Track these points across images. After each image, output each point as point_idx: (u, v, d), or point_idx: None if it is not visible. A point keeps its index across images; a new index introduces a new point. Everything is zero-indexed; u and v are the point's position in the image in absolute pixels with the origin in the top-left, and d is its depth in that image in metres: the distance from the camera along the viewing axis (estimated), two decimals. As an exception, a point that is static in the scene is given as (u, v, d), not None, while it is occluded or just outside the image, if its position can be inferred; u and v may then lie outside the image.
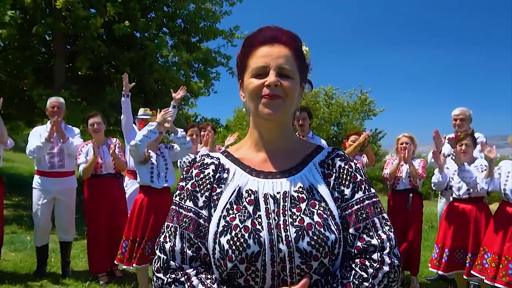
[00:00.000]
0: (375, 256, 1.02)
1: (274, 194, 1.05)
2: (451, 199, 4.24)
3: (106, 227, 4.33)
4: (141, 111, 5.31)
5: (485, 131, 6.54)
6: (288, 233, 0.99)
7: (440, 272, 4.02)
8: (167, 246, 1.05)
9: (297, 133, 5.03)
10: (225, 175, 1.10)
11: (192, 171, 1.13)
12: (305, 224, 1.00)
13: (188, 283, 1.01)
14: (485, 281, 3.53)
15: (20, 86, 7.76)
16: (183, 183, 1.13)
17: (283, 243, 0.98)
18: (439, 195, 5.17)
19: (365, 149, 4.91)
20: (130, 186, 4.96)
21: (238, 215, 1.02)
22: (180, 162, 4.12)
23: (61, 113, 4.61)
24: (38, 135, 4.49)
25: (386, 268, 1.01)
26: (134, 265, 3.68)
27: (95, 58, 7.87)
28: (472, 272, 3.66)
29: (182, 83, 8.53)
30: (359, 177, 1.11)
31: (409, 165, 4.36)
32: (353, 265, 1.02)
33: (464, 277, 3.80)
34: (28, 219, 6.95)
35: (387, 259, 1.01)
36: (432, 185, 4.35)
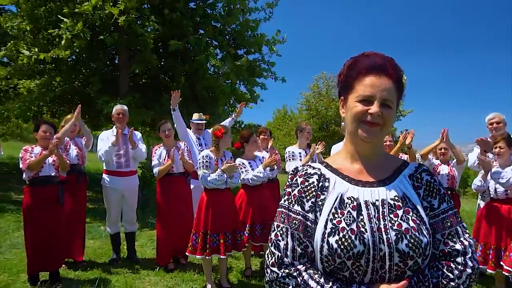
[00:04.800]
0: (459, 259, 1.18)
1: (373, 201, 1.20)
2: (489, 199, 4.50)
3: (175, 220, 4.83)
4: (195, 116, 5.79)
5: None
6: (389, 235, 1.14)
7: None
8: (281, 244, 1.20)
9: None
10: (326, 184, 1.26)
11: (296, 179, 1.29)
12: (403, 228, 1.15)
13: (300, 278, 1.16)
14: None
15: (88, 94, 8.63)
16: (290, 189, 1.29)
17: (384, 244, 1.13)
18: (479, 195, 5.35)
19: (407, 150, 5.08)
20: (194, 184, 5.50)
21: (344, 219, 1.17)
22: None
23: (125, 119, 5.17)
24: (106, 139, 5.05)
25: (469, 270, 1.16)
26: (207, 257, 4.07)
27: (153, 69, 8.62)
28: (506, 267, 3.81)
29: (228, 90, 9.19)
30: (442, 190, 1.28)
31: (451, 147, 4.77)
32: (440, 266, 1.17)
33: (504, 273, 3.92)
34: (100, 211, 7.76)
35: (469, 263, 1.17)
36: (473, 187, 4.64)
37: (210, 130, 5.97)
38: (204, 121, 5.80)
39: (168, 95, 8.31)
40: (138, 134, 5.34)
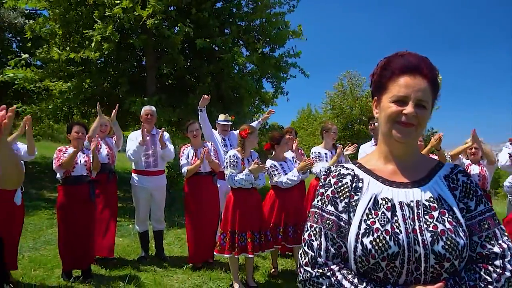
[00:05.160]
0: (497, 262, 1.14)
1: (408, 202, 1.19)
2: None
3: (203, 219, 4.88)
4: (221, 117, 5.79)
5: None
6: (424, 237, 1.13)
7: None
8: (315, 244, 1.20)
9: (372, 139, 5.40)
10: (360, 184, 1.25)
11: (330, 180, 1.29)
12: (438, 230, 1.13)
13: (334, 278, 1.15)
14: None
15: (116, 95, 8.86)
16: (323, 190, 1.28)
17: (419, 246, 1.12)
18: (508, 196, 5.23)
19: (436, 152, 5.02)
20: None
21: (378, 220, 1.16)
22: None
23: (153, 120, 5.28)
24: (135, 139, 5.13)
25: (508, 274, 1.13)
26: (235, 256, 4.12)
27: (180, 70, 8.76)
28: None
29: (254, 89, 9.23)
30: (479, 192, 1.25)
31: (480, 147, 4.71)
32: (477, 269, 1.14)
33: None
34: (128, 209, 7.94)
35: (508, 266, 1.13)
36: (505, 188, 4.52)
37: (235, 132, 6.03)
38: (230, 122, 5.84)
39: (194, 95, 8.48)
40: (166, 135, 5.41)
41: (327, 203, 1.24)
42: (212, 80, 8.79)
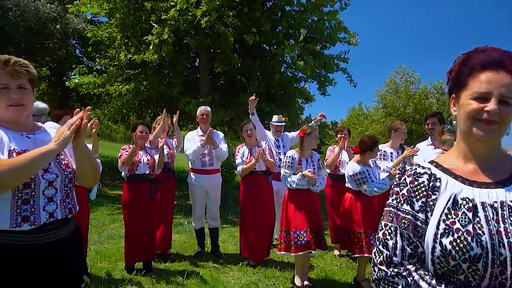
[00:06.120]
0: None
1: (491, 203, 1.13)
2: None
3: (258, 217, 4.92)
4: (275, 118, 5.87)
5: None
6: (510, 239, 1.07)
7: None
8: (390, 243, 1.19)
9: (429, 138, 5.19)
10: (437, 184, 1.21)
11: (405, 178, 1.26)
12: None
13: (410, 278, 1.12)
14: None
15: (170, 96, 9.19)
16: (398, 189, 1.26)
17: (504, 248, 1.06)
18: None
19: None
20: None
21: (458, 220, 1.12)
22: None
23: (209, 119, 5.40)
24: (191, 139, 5.31)
25: None
26: (292, 253, 4.12)
27: (232, 69, 8.91)
28: None
29: (306, 91, 9.21)
30: None
31: None
32: None
33: None
34: (184, 207, 8.20)
35: None
36: None
37: (289, 134, 6.05)
38: (283, 123, 5.88)
39: (245, 95, 8.59)
40: (220, 134, 5.52)
41: (402, 202, 1.22)
42: (262, 80, 8.86)
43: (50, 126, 1.95)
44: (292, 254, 4.18)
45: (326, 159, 5.45)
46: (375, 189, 4.17)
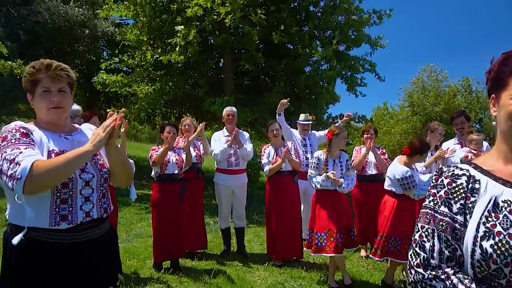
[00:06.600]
0: None
1: None
2: None
3: (284, 217, 4.91)
4: (301, 116, 5.87)
5: None
6: None
7: None
8: (427, 245, 1.17)
9: (456, 136, 5.06)
10: (476, 186, 1.18)
11: (442, 180, 1.24)
12: None
13: (449, 281, 1.10)
14: None
15: (196, 96, 9.29)
16: (435, 190, 1.24)
17: None
18: None
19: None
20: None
21: (499, 223, 1.08)
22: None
23: (234, 120, 5.42)
24: (218, 139, 5.35)
25: None
26: (322, 254, 4.14)
27: (256, 68, 8.92)
28: None
29: (333, 92, 9.14)
30: None
31: None
32: None
33: None
34: (209, 207, 8.25)
35: None
36: None
37: (317, 133, 6.01)
38: (310, 122, 5.85)
39: (270, 95, 8.60)
40: (246, 134, 5.54)
41: (439, 204, 1.19)
42: (287, 80, 8.83)
43: (87, 128, 2.01)
44: (312, 254, 4.21)
45: (353, 160, 5.35)
46: (422, 192, 4.03)
